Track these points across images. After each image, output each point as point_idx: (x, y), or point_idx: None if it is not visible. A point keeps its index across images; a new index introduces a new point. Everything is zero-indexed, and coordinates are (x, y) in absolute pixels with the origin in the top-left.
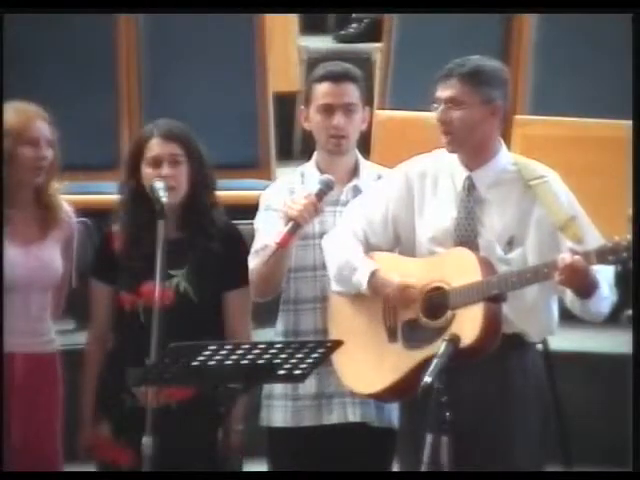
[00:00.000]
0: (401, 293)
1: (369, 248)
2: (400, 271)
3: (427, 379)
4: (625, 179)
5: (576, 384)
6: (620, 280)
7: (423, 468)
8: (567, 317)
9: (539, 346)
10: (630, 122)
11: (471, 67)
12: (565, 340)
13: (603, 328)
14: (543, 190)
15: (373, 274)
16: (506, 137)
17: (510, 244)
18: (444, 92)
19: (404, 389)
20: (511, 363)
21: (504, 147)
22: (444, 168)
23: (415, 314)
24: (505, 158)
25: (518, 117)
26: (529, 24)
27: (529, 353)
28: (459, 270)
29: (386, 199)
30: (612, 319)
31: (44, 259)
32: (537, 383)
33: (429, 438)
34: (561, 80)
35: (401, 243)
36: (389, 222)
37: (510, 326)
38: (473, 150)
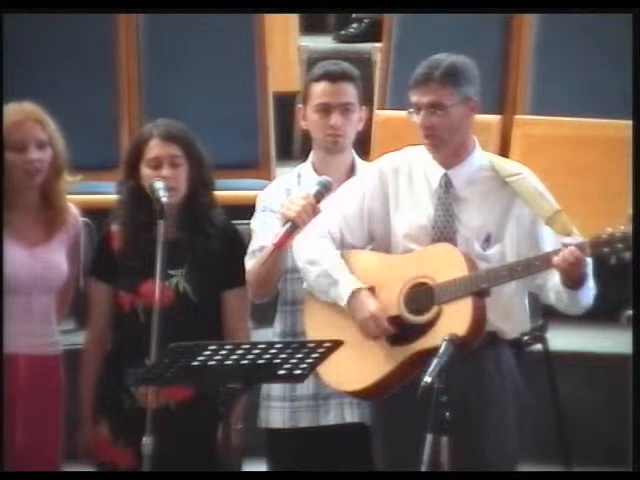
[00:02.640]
0: (371, 322)
1: (345, 246)
2: (382, 267)
3: (427, 379)
4: (625, 179)
5: (576, 384)
6: (620, 276)
7: (423, 468)
8: (567, 317)
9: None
10: (630, 122)
11: (447, 67)
12: (565, 340)
13: (603, 328)
14: (522, 186)
15: (354, 294)
16: (506, 137)
17: (488, 241)
18: (424, 97)
19: (390, 385)
20: (486, 361)
21: (478, 145)
22: (418, 165)
23: (398, 310)
24: (480, 156)
25: (518, 117)
26: (529, 24)
27: (503, 350)
28: (445, 265)
29: (361, 195)
30: (612, 319)
31: (49, 261)
32: (511, 379)
33: (429, 438)
34: (561, 80)
35: (375, 240)
36: (365, 218)
37: (488, 324)
38: (453, 149)
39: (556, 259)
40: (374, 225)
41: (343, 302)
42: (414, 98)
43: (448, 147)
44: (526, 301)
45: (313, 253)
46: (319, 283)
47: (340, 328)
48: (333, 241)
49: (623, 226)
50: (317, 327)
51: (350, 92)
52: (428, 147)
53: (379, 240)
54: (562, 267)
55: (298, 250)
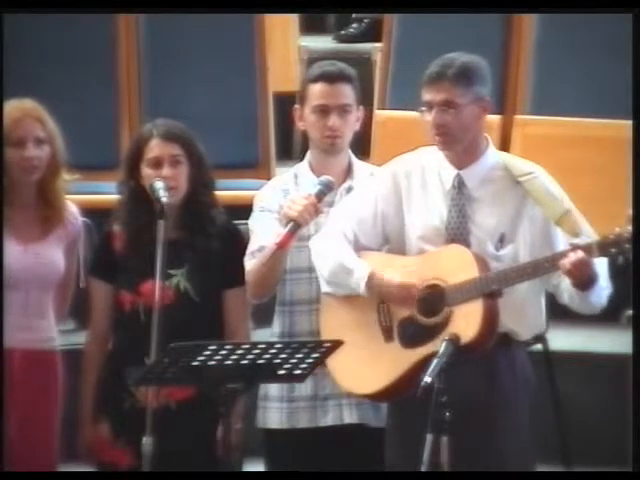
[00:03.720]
0: (403, 292)
1: (359, 248)
2: (394, 269)
3: (427, 379)
4: (625, 179)
5: (576, 384)
6: (620, 276)
7: (423, 468)
8: (567, 317)
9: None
10: (630, 122)
11: (459, 67)
12: (565, 340)
13: (603, 328)
14: (534, 186)
15: (371, 276)
16: (506, 137)
17: (501, 241)
18: (436, 95)
19: (403, 387)
20: (500, 363)
21: (491, 144)
22: (430, 166)
23: (411, 312)
24: (493, 155)
25: (518, 117)
26: (529, 24)
27: (517, 352)
28: (456, 267)
29: (374, 198)
30: (612, 319)
31: (44, 256)
32: (525, 382)
33: (429, 438)
34: (561, 80)
35: (390, 242)
36: (378, 221)
37: (501, 326)
38: (465, 149)
39: (562, 262)
40: (388, 228)
41: (361, 288)
42: (427, 96)
43: (460, 146)
44: (542, 302)
45: (327, 250)
46: (336, 276)
47: (355, 331)
48: (348, 243)
49: (629, 226)
50: (332, 330)
51: (348, 93)
52: (439, 146)
53: (393, 242)
54: (568, 269)
55: (315, 252)
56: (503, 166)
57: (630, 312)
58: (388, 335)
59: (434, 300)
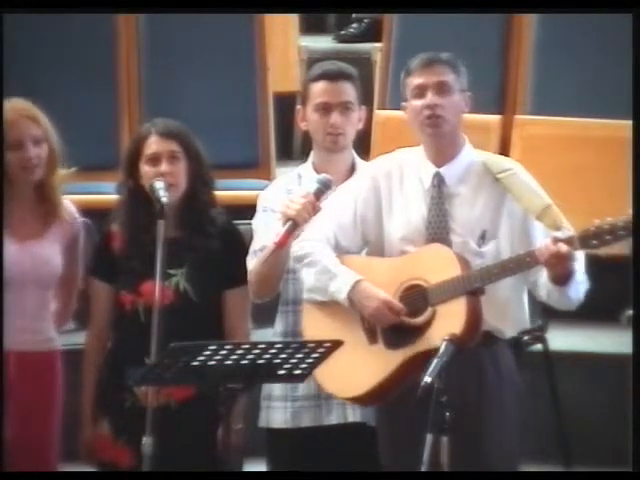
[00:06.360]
0: (387, 308)
1: (340, 251)
2: (374, 271)
3: (427, 379)
4: (625, 179)
5: (576, 384)
6: (620, 275)
7: (423, 468)
8: (567, 317)
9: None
10: (630, 122)
11: (449, 56)
12: (565, 340)
13: (603, 328)
14: (512, 182)
15: (356, 284)
16: (506, 137)
17: (483, 237)
18: (431, 77)
19: (391, 389)
20: (484, 362)
21: (468, 142)
22: (409, 165)
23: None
24: (470, 152)
25: (518, 117)
26: (529, 24)
27: (501, 349)
28: (437, 266)
29: (354, 200)
30: (612, 319)
31: (40, 256)
32: (511, 382)
33: (429, 438)
34: (561, 80)
35: (369, 244)
36: (358, 223)
37: (484, 324)
38: (446, 143)
39: (538, 251)
40: (367, 230)
41: (343, 295)
42: (419, 80)
43: (448, 128)
44: (525, 299)
45: (311, 255)
46: (319, 280)
47: (338, 335)
48: (329, 245)
49: (610, 218)
50: (315, 335)
51: (349, 91)
52: (430, 128)
53: (373, 244)
54: (546, 259)
55: (296, 255)
56: (481, 163)
57: (630, 312)
58: (372, 337)
59: (417, 300)
